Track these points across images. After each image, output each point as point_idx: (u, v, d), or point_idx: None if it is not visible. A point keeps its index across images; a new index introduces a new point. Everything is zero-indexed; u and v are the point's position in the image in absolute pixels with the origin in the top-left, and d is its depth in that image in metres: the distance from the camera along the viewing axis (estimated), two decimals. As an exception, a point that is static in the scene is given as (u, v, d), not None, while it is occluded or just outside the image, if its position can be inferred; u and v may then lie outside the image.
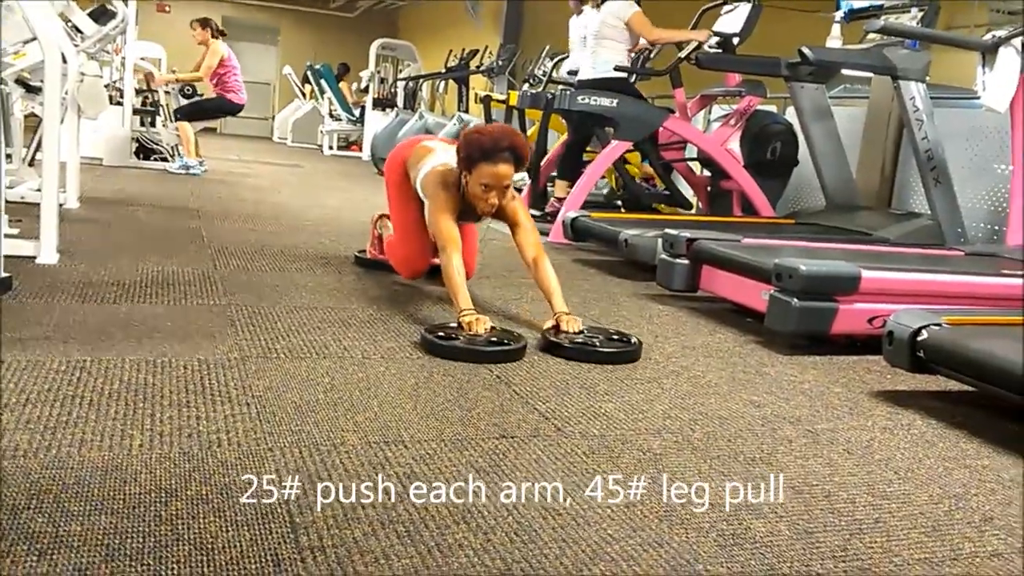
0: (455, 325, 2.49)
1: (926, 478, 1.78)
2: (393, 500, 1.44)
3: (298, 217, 5.18)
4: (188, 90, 7.37)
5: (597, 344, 2.48)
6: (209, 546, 1.24)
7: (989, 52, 3.56)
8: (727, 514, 1.51)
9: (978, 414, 2.28)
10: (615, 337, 2.58)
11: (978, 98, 3.77)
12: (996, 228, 4.56)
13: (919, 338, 2.30)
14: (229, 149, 10.78)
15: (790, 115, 5.60)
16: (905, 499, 1.66)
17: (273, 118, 15.79)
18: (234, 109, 7.48)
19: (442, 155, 2.96)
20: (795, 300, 2.73)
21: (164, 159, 7.39)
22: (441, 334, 2.40)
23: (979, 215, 4.69)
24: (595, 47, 5.08)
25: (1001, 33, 3.54)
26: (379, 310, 2.86)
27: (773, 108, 6.15)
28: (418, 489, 1.49)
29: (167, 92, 7.87)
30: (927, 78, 4.26)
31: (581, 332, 2.55)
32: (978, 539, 1.50)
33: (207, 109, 7.47)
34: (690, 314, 3.25)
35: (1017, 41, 3.49)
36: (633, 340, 2.56)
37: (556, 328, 2.58)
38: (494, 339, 2.41)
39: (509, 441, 1.77)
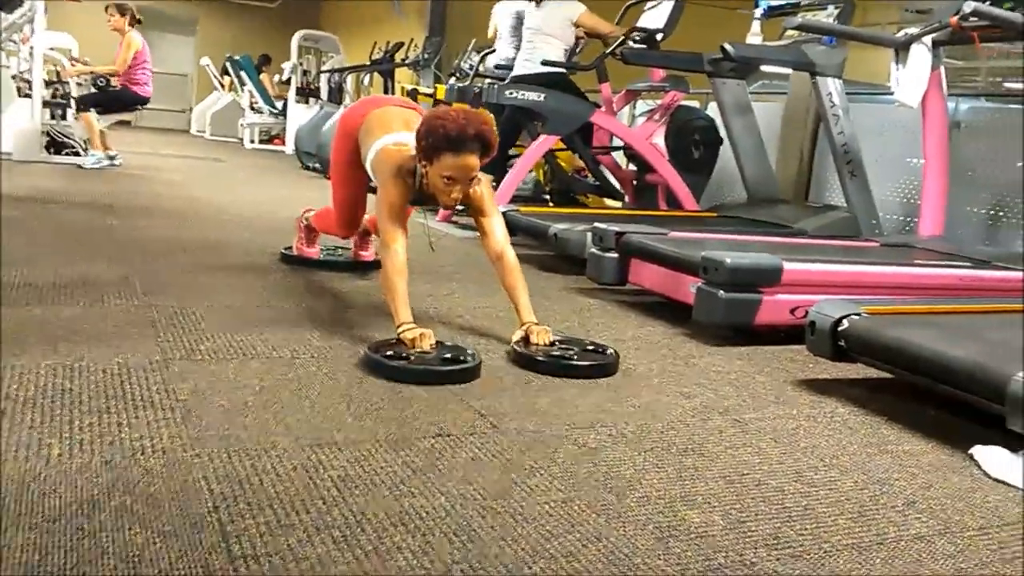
0: (396, 340, 2.29)
1: (850, 464, 1.84)
2: (328, 505, 1.41)
3: (220, 213, 5.05)
4: (102, 82, 7.09)
5: (574, 357, 2.36)
6: (136, 559, 1.19)
7: (902, 49, 3.69)
8: (663, 506, 1.53)
9: (897, 401, 2.37)
10: (590, 348, 2.46)
11: (891, 94, 3.91)
12: (909, 219, 4.74)
13: (840, 328, 2.37)
14: (144, 143, 10.44)
15: (712, 110, 5.71)
16: (831, 486, 1.71)
17: (191, 111, 15.35)
18: (138, 102, 7.27)
19: (399, 132, 2.63)
20: (721, 292, 2.78)
21: (77, 153, 7.10)
22: (389, 353, 2.19)
23: (892, 207, 4.87)
24: (536, 43, 5.09)
25: (913, 31, 3.68)
26: (308, 308, 2.80)
27: (696, 103, 6.26)
28: (353, 492, 1.46)
29: (79, 84, 7.56)
30: (843, 74, 4.40)
31: (553, 344, 2.42)
32: (902, 523, 1.56)
33: (110, 100, 7.20)
34: (620, 307, 3.28)
35: (928, 39, 3.62)
36: (609, 351, 2.44)
37: (526, 340, 2.42)
38: (447, 356, 2.22)
39: (445, 440, 1.75)
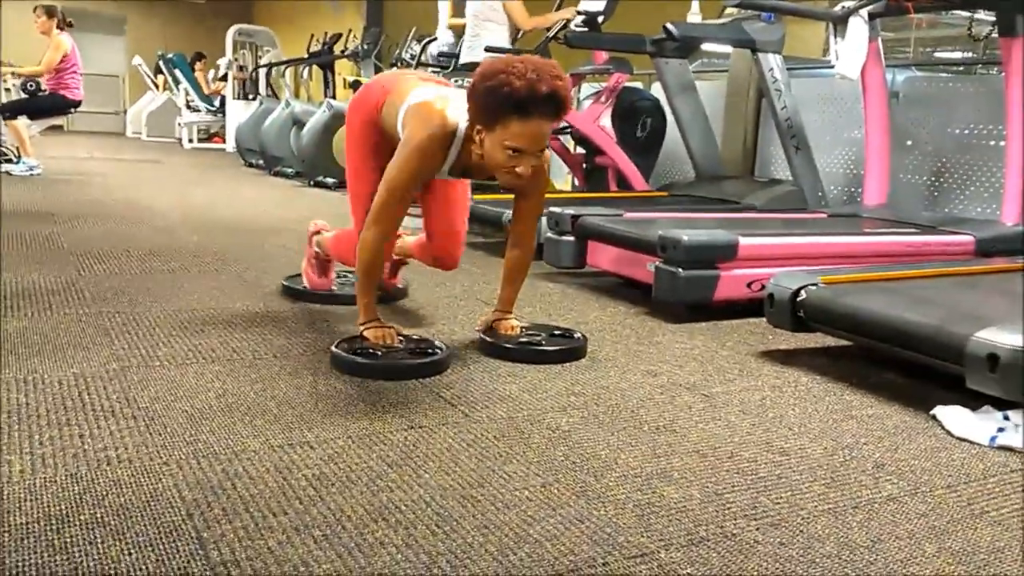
0: (361, 336, 2.21)
1: (818, 432, 1.87)
2: (305, 504, 1.39)
3: (164, 216, 4.93)
4: (31, 86, 6.85)
5: (543, 343, 2.35)
6: (111, 572, 1.16)
7: (840, 22, 3.75)
8: (640, 484, 1.54)
9: (857, 367, 2.41)
10: (557, 333, 2.45)
11: (831, 67, 3.97)
12: (852, 190, 4.84)
13: (798, 299, 2.41)
14: (80, 146, 10.14)
15: (656, 91, 5.74)
16: (802, 453, 1.73)
17: (125, 112, 14.95)
18: (70, 106, 7.04)
19: (431, 87, 2.22)
20: (680, 270, 2.81)
21: (9, 160, 6.86)
22: (359, 349, 2.14)
23: (836, 178, 4.96)
24: (477, 30, 5.05)
25: (850, 4, 3.73)
26: (266, 307, 2.75)
27: (640, 85, 6.29)
28: (330, 490, 1.44)
29: (7, 89, 7.30)
30: (783, 50, 4.46)
31: (521, 331, 2.38)
32: (874, 486, 1.59)
33: (41, 105, 6.96)
34: (579, 290, 3.29)
35: (864, 11, 3.68)
36: (577, 335, 2.43)
37: (492, 330, 2.37)
38: (415, 349, 2.18)
39: (418, 431, 1.73)
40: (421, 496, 1.44)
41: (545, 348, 2.32)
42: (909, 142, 4.51)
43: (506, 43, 5.08)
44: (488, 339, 2.35)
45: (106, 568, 1.17)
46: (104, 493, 1.39)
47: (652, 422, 1.87)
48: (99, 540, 1.24)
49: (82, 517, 1.30)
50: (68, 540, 1.23)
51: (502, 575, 1.21)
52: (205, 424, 1.72)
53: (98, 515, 1.31)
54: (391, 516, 1.36)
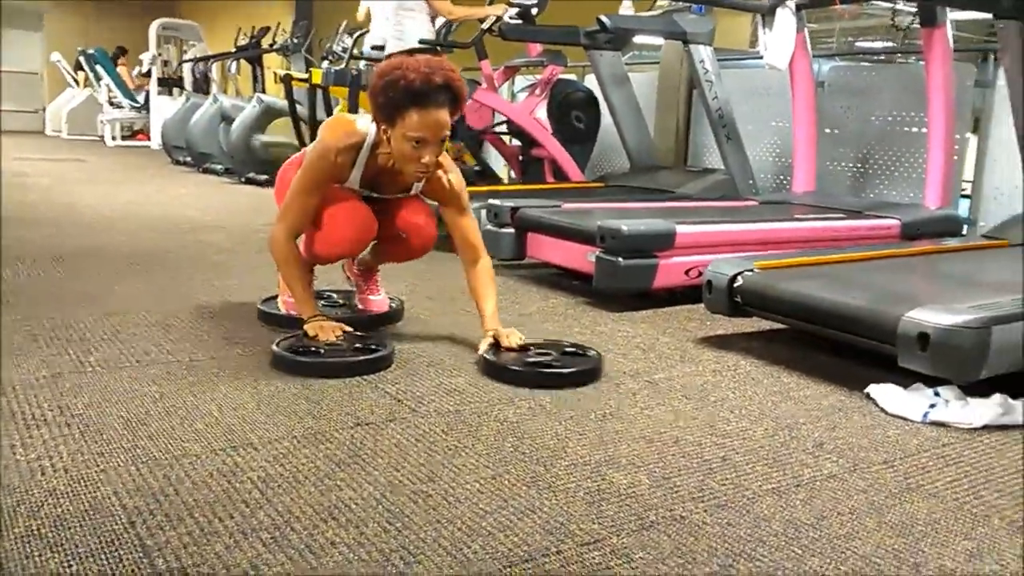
0: (301, 334, 2.16)
1: (759, 413, 1.91)
2: (251, 507, 1.36)
3: (91, 216, 4.77)
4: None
5: (554, 362, 2.10)
6: (52, 586, 1.12)
7: (768, 14, 3.83)
8: (590, 471, 1.55)
9: (793, 349, 2.47)
10: (569, 350, 2.21)
11: (760, 58, 4.06)
12: (782, 178, 4.95)
13: (735, 284, 2.45)
14: (-5, 147, 9.74)
15: (590, 82, 5.78)
16: (745, 435, 1.77)
17: (44, 110, 14.41)
18: None
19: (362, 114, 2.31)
20: (620, 259, 2.83)
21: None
22: (300, 348, 2.08)
23: (766, 167, 5.07)
24: (399, 19, 4.99)
25: (778, -5, 3.81)
26: (201, 307, 2.69)
27: (574, 77, 6.33)
28: (277, 492, 1.41)
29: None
30: (713, 42, 4.54)
31: (527, 348, 2.17)
32: (815, 464, 1.63)
33: None
34: (520, 281, 3.30)
35: (792, 2, 3.77)
36: (592, 352, 2.19)
37: (495, 347, 2.16)
38: (358, 346, 2.13)
39: (365, 428, 1.72)
40: (371, 494, 1.42)
41: (559, 370, 2.07)
42: (836, 131, 4.63)
43: (429, 34, 5.03)
44: (490, 358, 2.11)
45: (45, 581, 1.13)
46: (40, 504, 1.34)
47: (599, 410, 1.88)
48: (36, 553, 1.19)
49: (16, 530, 1.25)
50: (2, 555, 1.18)
51: (456, 569, 1.20)
52: (143, 430, 1.67)
53: (34, 527, 1.26)
54: (341, 515, 1.35)
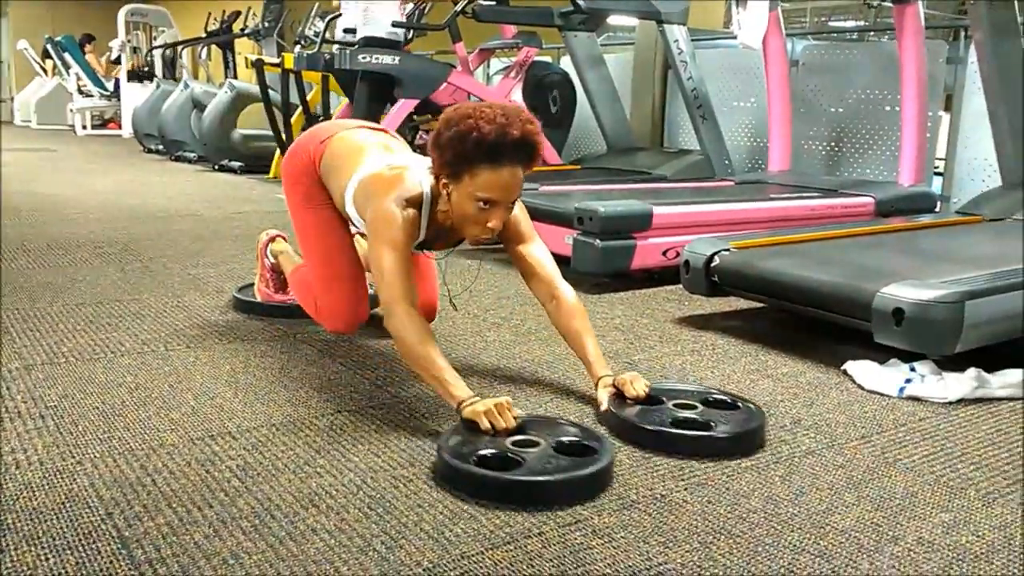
0: (464, 426, 1.55)
1: (737, 391, 1.92)
2: (231, 496, 1.35)
3: (62, 206, 4.70)
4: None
5: (712, 424, 1.62)
6: (29, 580, 1.10)
7: (741, -7, 3.82)
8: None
9: (770, 328, 2.49)
10: (715, 399, 1.74)
11: (734, 38, 4.06)
12: (757, 158, 4.97)
13: (712, 264, 2.46)
14: (-38, 137, 9.56)
15: (566, 64, 5.76)
16: (724, 414, 1.78)
17: (12, 99, 14.16)
18: None
19: (379, 155, 1.95)
20: (598, 241, 2.83)
21: None
22: (480, 451, 1.44)
23: (741, 147, 5.09)
24: (366, 3, 4.93)
25: (751, -26, 3.81)
26: (175, 297, 2.66)
27: (549, 59, 6.30)
28: (257, 480, 1.40)
29: None
30: (688, 21, 4.53)
31: (658, 400, 1.73)
32: (793, 441, 1.65)
33: None
34: (497, 265, 3.28)
35: (765, -19, 3.77)
36: (751, 405, 1.72)
37: (620, 396, 1.73)
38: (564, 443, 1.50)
39: (345, 415, 1.71)
40: (352, 480, 1.42)
41: (713, 434, 1.59)
42: (810, 110, 4.65)
43: (399, 15, 4.97)
44: (619, 415, 1.67)
45: (23, 574, 1.11)
46: (15, 497, 1.32)
47: (579, 392, 1.89)
48: (12, 547, 1.18)
49: (-8, 524, 1.24)
50: (-22, 549, 1.17)
51: (439, 552, 1.20)
52: (119, 420, 1.65)
53: (9, 521, 1.25)
54: (321, 502, 1.34)
